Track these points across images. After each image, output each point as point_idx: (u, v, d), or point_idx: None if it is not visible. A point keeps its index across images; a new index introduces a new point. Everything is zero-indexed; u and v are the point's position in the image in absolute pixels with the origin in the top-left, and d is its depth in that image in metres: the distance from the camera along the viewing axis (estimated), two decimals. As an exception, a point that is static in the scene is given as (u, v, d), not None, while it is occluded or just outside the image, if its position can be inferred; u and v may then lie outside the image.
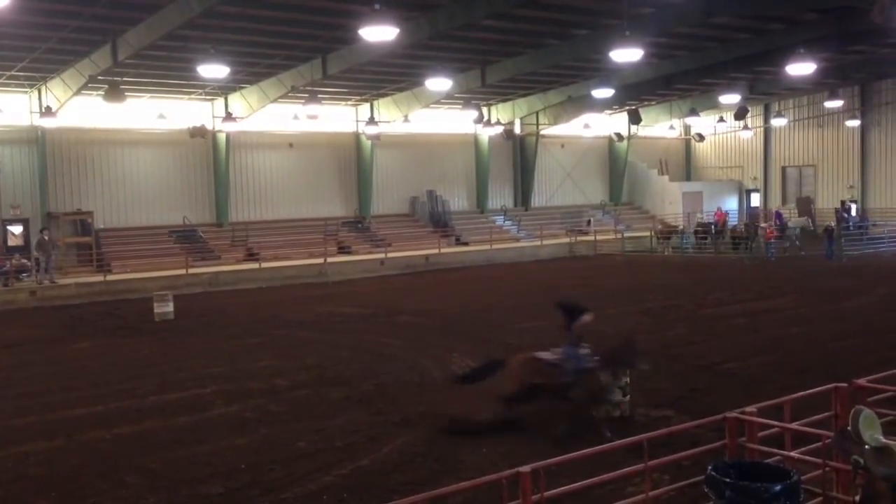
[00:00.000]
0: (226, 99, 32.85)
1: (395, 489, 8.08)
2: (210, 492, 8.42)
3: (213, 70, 23.66)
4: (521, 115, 40.36)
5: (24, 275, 27.10)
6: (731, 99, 38.14)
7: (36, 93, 29.27)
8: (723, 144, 49.03)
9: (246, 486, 8.53)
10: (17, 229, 29.88)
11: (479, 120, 36.98)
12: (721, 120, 45.31)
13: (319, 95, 30.88)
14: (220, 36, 22.69)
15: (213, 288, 28.04)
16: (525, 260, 35.46)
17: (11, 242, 29.57)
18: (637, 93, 37.72)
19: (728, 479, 5.39)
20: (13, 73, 26.73)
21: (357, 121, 36.76)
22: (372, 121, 35.20)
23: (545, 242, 38.10)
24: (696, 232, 39.05)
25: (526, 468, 5.83)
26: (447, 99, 35.02)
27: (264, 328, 19.31)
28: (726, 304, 20.91)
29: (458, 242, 37.41)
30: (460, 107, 36.14)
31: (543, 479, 5.89)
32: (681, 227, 40.64)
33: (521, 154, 42.43)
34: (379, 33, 18.76)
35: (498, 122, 39.08)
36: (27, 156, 29.93)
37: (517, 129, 41.05)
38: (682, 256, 35.63)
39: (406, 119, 36.17)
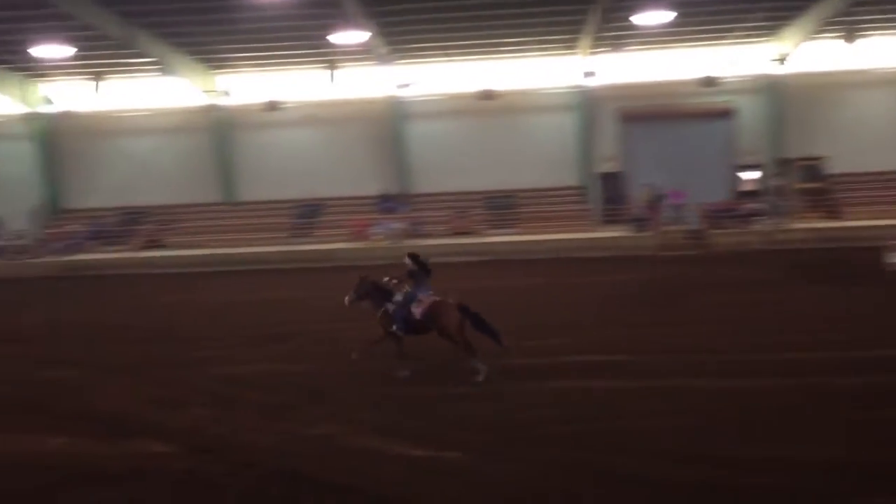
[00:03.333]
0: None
1: None
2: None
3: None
4: None
5: (757, 218, 28.34)
6: None
7: (770, 43, 29.93)
8: None
9: None
10: (751, 175, 31.34)
11: None
12: None
13: None
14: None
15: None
16: None
17: (745, 188, 31.17)
18: None
19: None
20: (750, 24, 27.76)
21: None
22: None
23: None
24: None
25: None
26: None
27: None
28: None
29: None
30: None
31: None
32: None
33: None
34: None
35: None
36: (762, 103, 30.99)
37: None
38: None
39: None
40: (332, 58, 29.69)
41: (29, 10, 23.92)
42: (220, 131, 33.42)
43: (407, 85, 31.19)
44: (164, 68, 29.82)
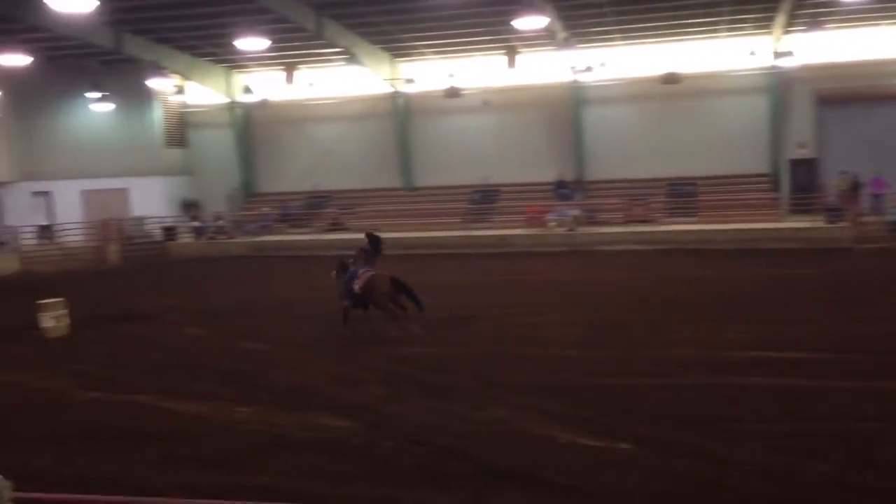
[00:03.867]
0: None
1: None
2: None
3: None
4: None
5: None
6: None
7: None
8: None
9: None
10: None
11: None
12: None
13: None
14: None
15: None
16: None
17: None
18: None
19: None
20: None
21: None
22: None
23: None
24: None
25: None
26: None
27: None
28: None
29: None
30: None
31: None
32: None
33: None
34: None
35: None
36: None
37: None
38: None
39: None
40: (511, 43, 29.69)
41: (231, 6, 25.59)
42: (401, 118, 34.35)
43: (587, 69, 30.66)
44: (350, 58, 31.00)
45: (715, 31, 29.23)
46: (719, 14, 27.31)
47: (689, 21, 28.04)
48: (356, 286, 13.63)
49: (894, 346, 11.51)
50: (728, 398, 9.42)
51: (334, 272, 14.59)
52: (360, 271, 13.76)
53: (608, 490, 7.03)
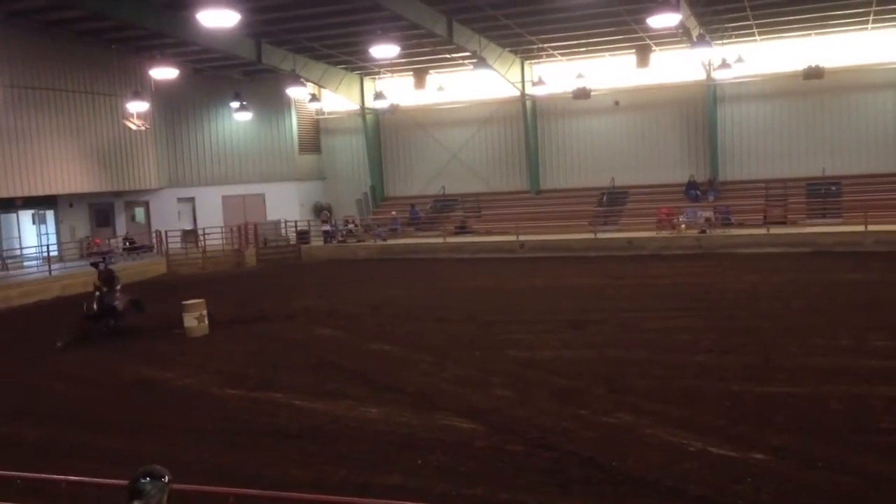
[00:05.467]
0: None
1: None
2: None
3: None
4: None
5: None
6: None
7: None
8: None
9: None
10: None
11: None
12: None
13: None
14: None
15: None
16: None
17: None
18: None
19: None
20: None
21: None
22: None
23: None
24: None
25: None
26: None
27: None
28: None
29: None
30: None
31: None
32: None
33: None
34: None
35: None
36: None
37: None
38: None
39: None
40: (643, 42, 29.05)
41: (365, 14, 26.20)
42: (529, 120, 34.21)
43: (724, 66, 29.51)
44: (479, 61, 31.14)
45: (863, 21, 27.64)
46: (868, 3, 25.79)
47: (835, 12, 26.62)
48: (119, 305, 16.45)
49: None
50: (873, 409, 8.90)
51: (96, 291, 16.65)
52: (118, 292, 16.70)
53: (741, 501, 6.77)
